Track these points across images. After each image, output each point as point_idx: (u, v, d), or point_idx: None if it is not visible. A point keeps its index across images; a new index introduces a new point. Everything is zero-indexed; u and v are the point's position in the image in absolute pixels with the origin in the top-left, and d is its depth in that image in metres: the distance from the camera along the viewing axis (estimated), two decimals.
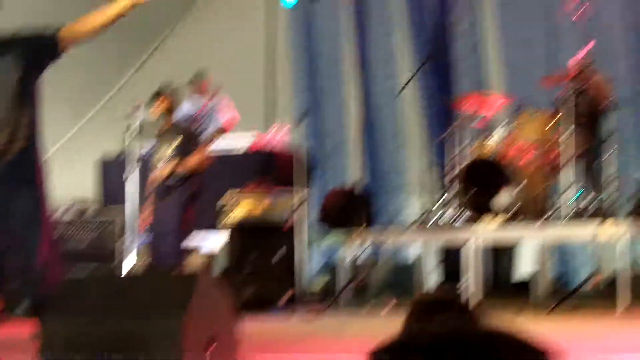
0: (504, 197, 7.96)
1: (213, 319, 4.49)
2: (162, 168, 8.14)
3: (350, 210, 8.93)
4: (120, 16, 5.14)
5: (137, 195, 7.55)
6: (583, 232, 7.54)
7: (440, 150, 9.68)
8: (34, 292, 4.89)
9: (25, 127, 4.97)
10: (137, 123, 10.32)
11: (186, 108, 10.38)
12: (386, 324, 6.98)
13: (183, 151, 8.18)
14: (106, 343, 4.31)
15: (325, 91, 12.08)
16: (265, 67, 12.34)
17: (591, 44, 8.52)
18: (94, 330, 4.37)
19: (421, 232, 8.46)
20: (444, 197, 8.64)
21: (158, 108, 8.26)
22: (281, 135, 10.09)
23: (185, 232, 8.18)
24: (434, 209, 8.72)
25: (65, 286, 4.72)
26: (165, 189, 8.15)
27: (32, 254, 4.92)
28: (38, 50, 5.02)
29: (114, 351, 4.31)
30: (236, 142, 10.01)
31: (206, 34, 12.58)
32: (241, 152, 9.77)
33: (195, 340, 4.21)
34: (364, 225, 8.39)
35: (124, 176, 7.35)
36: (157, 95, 8.30)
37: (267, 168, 9.56)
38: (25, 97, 4.98)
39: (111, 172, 10.31)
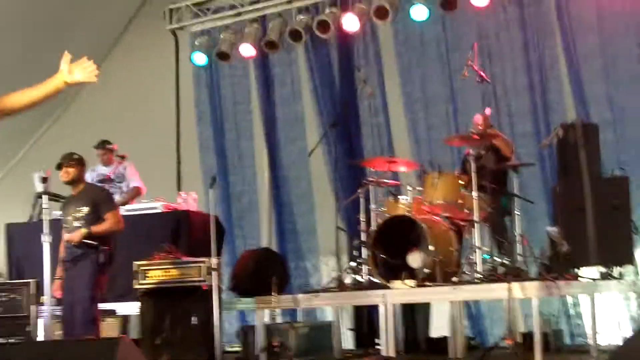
0: (414, 259, 8.06)
1: None
2: (72, 234, 8.03)
3: (260, 275, 8.94)
4: (50, 96, 5.00)
5: (48, 261, 7.42)
6: (494, 292, 7.60)
7: (349, 211, 9.83)
8: None
9: None
10: (44, 189, 10.27)
11: (94, 175, 10.32)
12: None
13: (93, 217, 8.10)
14: None
15: (234, 154, 12.18)
16: (175, 130, 12.40)
17: (488, 108, 8.78)
18: None
19: (335, 295, 8.51)
20: (355, 258, 8.72)
21: (66, 175, 8.16)
22: (191, 200, 10.07)
23: (97, 299, 8.06)
24: (344, 271, 8.81)
25: None
26: (77, 255, 8.05)
27: None
28: None
29: None
30: (145, 209, 9.94)
31: (115, 96, 12.57)
32: (153, 213, 9.71)
33: None
34: (277, 289, 8.38)
35: (42, 239, 7.22)
36: (60, 164, 8.19)
37: (179, 232, 9.52)
38: None
39: (19, 237, 10.20)
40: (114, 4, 12.85)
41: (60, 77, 4.87)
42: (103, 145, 10.59)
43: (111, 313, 9.17)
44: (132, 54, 13.08)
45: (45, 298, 9.14)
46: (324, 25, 11.15)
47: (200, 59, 12.14)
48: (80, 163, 8.30)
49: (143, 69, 12.88)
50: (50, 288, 8.31)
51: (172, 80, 12.57)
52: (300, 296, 8.68)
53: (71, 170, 8.16)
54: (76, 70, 4.86)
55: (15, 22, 11.50)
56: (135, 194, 10.41)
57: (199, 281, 8.50)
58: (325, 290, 8.78)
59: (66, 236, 8.08)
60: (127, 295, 9.31)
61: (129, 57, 13.07)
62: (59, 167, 8.15)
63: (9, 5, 11.24)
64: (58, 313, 8.23)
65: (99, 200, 8.18)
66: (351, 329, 9.98)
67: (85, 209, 8.09)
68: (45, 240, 7.23)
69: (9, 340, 8.49)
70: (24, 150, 13.63)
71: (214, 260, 8.52)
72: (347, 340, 9.73)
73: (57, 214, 8.46)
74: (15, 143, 13.18)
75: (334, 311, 9.42)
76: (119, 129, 11.62)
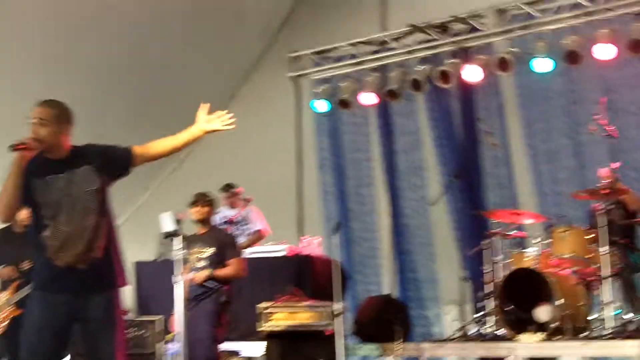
0: (542, 312, 8.01)
1: None
2: (196, 274, 8.20)
3: (383, 322, 8.98)
4: (189, 144, 5.37)
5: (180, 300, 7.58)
6: (624, 350, 7.50)
7: (473, 261, 9.82)
8: None
9: (103, 237, 5.11)
10: (172, 229, 10.53)
11: (219, 217, 10.54)
12: None
13: (216, 260, 8.27)
14: None
15: (354, 200, 12.29)
16: (296, 175, 12.57)
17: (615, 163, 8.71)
18: None
19: (460, 345, 8.50)
20: (480, 310, 8.70)
21: (198, 213, 8.36)
22: (314, 244, 10.22)
23: (219, 338, 8.21)
24: (470, 322, 8.80)
25: None
26: (198, 294, 8.22)
27: (111, 357, 5.04)
28: (114, 163, 5.19)
29: None
30: (269, 251, 10.12)
31: (237, 141, 12.84)
32: (277, 256, 9.87)
33: None
34: (399, 337, 8.41)
35: (172, 280, 7.40)
36: (196, 201, 8.40)
37: (302, 276, 9.66)
38: (101, 207, 5.12)
39: (146, 275, 10.48)
40: (237, 52, 13.17)
41: (198, 126, 5.27)
42: (228, 188, 10.86)
43: (235, 354, 9.32)
44: (254, 100, 13.36)
45: (170, 336, 9.43)
46: (445, 76, 11.24)
47: (322, 106, 12.35)
48: (212, 204, 8.54)
49: (265, 114, 13.14)
50: (168, 324, 8.53)
51: (293, 127, 12.79)
52: (424, 345, 8.70)
53: (204, 209, 8.37)
54: (213, 120, 5.28)
55: (135, 66, 11.83)
56: (259, 237, 10.63)
57: (323, 325, 8.59)
58: (450, 340, 8.78)
59: (189, 275, 8.25)
60: (250, 335, 9.48)
61: (251, 103, 13.34)
62: (194, 204, 8.36)
63: (130, 50, 11.59)
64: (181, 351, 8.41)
65: (225, 244, 8.34)
66: None
67: (210, 250, 8.25)
68: (177, 280, 7.40)
69: None
70: (149, 192, 14.00)
71: (338, 305, 8.60)
72: None
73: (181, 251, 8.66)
74: (142, 185, 13.54)
75: None
76: (241, 173, 11.85)
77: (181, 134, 5.30)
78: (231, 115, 5.30)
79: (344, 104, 12.19)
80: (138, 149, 5.25)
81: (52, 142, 5.03)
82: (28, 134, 4.99)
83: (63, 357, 5.21)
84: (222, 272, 8.20)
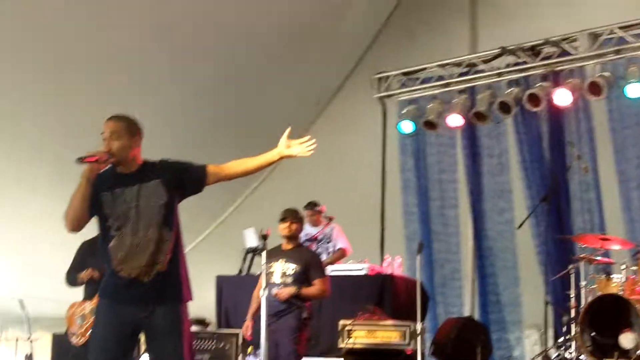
0: (627, 339, 7.85)
1: None
2: (280, 290, 8.21)
3: (464, 343, 8.90)
4: (264, 167, 5.44)
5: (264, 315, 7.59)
6: None
7: (556, 286, 9.68)
8: None
9: (168, 251, 5.16)
10: (255, 244, 10.63)
11: (302, 234, 10.57)
12: None
13: (301, 277, 8.24)
14: None
15: (438, 221, 12.24)
16: (380, 195, 12.56)
17: None
18: None
19: None
20: (563, 335, 8.57)
21: (288, 229, 8.37)
22: (395, 264, 10.19)
23: (301, 355, 8.20)
24: (552, 346, 8.67)
25: None
26: (280, 310, 8.23)
27: None
28: (186, 180, 5.24)
29: None
30: (351, 270, 10.11)
31: (322, 160, 12.87)
32: (359, 275, 9.86)
33: None
34: (481, 358, 8.32)
35: (261, 293, 7.42)
36: (285, 217, 8.42)
37: (383, 295, 9.63)
38: (168, 221, 5.17)
39: (228, 289, 10.57)
40: (325, 72, 13.26)
41: (277, 150, 5.31)
42: (312, 206, 10.90)
43: None
44: (340, 120, 13.45)
45: (250, 349, 9.48)
46: (534, 99, 11.12)
47: (407, 127, 12.33)
48: (301, 221, 8.54)
49: (350, 134, 13.20)
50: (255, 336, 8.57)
51: (378, 147, 12.78)
52: None
53: (294, 226, 8.37)
54: (294, 145, 5.31)
55: (222, 84, 11.97)
56: (341, 255, 10.64)
57: (404, 345, 8.55)
58: None
59: (273, 290, 8.25)
60: (330, 352, 9.49)
61: (337, 122, 13.43)
62: (283, 220, 8.38)
63: (220, 66, 11.73)
64: None
65: (311, 263, 8.29)
66: None
67: (295, 267, 8.24)
68: (264, 295, 7.41)
69: None
70: (233, 207, 14.13)
71: (418, 325, 8.56)
72: None
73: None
74: (226, 200, 13.68)
75: None
76: (325, 191, 11.89)
77: (258, 157, 5.34)
78: (313, 141, 5.33)
79: (430, 125, 12.15)
80: (212, 168, 5.29)
81: (123, 155, 5.11)
82: (98, 147, 5.07)
83: None
84: (308, 291, 8.18)
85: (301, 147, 5.31)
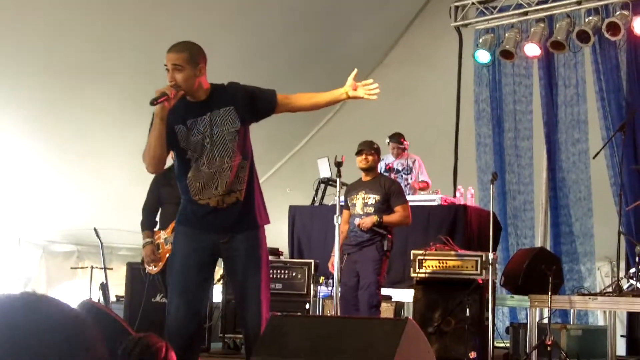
0: None
1: None
2: (362, 220, 8.28)
3: (535, 274, 8.87)
4: (331, 104, 5.48)
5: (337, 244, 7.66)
6: None
7: (630, 217, 9.58)
8: (254, 334, 5.09)
9: (245, 178, 5.21)
10: (329, 174, 10.70)
11: (382, 164, 10.61)
12: None
13: (383, 206, 8.33)
14: None
15: (511, 152, 12.16)
16: (455, 126, 12.50)
17: None
18: None
19: (612, 299, 8.32)
20: (635, 267, 8.50)
21: (365, 161, 8.42)
22: (469, 195, 10.18)
23: (380, 285, 8.30)
24: (625, 276, 8.61)
25: (272, 325, 4.92)
26: (362, 240, 8.31)
27: (257, 299, 5.17)
28: (258, 105, 5.23)
29: None
30: (423, 200, 10.12)
31: (396, 89, 12.84)
32: (432, 205, 9.88)
33: None
34: (549, 291, 8.28)
35: (334, 221, 7.49)
36: (361, 150, 8.46)
37: (456, 225, 9.65)
38: (243, 148, 5.19)
39: (300, 219, 10.69)
40: (400, 2, 13.12)
41: (344, 89, 5.29)
42: (398, 140, 10.82)
43: (388, 299, 9.43)
44: (415, 49, 13.32)
45: (322, 279, 9.61)
46: (613, 28, 10.89)
47: (484, 56, 12.21)
48: (378, 152, 8.59)
49: (425, 64, 13.09)
50: (332, 268, 8.67)
51: (453, 77, 12.68)
52: (576, 297, 8.56)
53: (371, 157, 8.43)
54: (360, 88, 5.29)
55: (302, 17, 11.96)
56: (424, 187, 10.62)
57: (475, 275, 8.58)
58: (603, 294, 8.62)
59: (356, 220, 8.34)
60: (401, 282, 9.60)
61: (412, 52, 13.32)
62: (360, 152, 8.43)
63: (290, 3, 11.72)
64: (333, 294, 8.54)
65: (392, 191, 8.39)
66: (624, 336, 9.76)
67: (377, 197, 8.33)
68: (337, 222, 7.48)
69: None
70: (305, 139, 14.20)
71: (490, 255, 8.57)
72: (620, 347, 9.52)
73: (336, 199, 8.76)
74: (298, 132, 13.74)
75: (607, 317, 9.24)
76: (398, 121, 11.88)
77: (326, 93, 5.34)
78: (376, 85, 5.30)
79: (507, 54, 12.00)
80: (282, 96, 5.26)
81: (189, 86, 5.04)
82: (164, 83, 5.03)
83: (207, 291, 5.38)
84: (389, 218, 8.28)
85: (365, 90, 5.30)
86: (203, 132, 5.11)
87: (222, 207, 5.15)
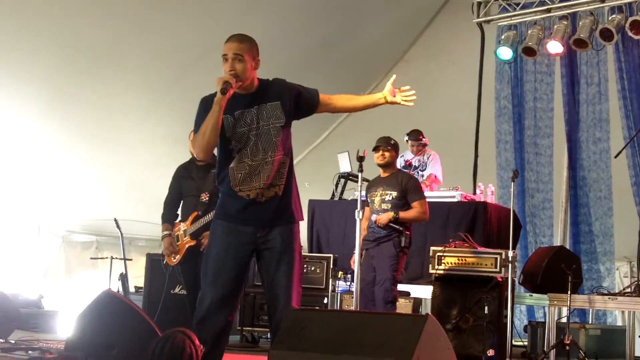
0: None
1: None
2: (380, 216, 8.28)
3: (554, 273, 8.85)
4: (369, 107, 5.53)
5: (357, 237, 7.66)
6: None
7: None
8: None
9: (285, 174, 5.25)
10: (349, 169, 10.68)
11: (401, 160, 10.59)
12: None
13: (400, 202, 8.31)
14: None
15: (531, 150, 12.12)
16: (476, 122, 12.47)
17: None
18: None
19: (633, 299, 8.29)
20: None
21: (382, 157, 8.42)
22: (489, 192, 10.15)
23: (397, 281, 8.29)
24: None
25: (292, 318, 4.92)
26: (380, 236, 8.30)
27: (289, 292, 5.21)
28: (302, 103, 5.30)
29: None
30: (445, 196, 10.08)
31: (417, 85, 12.77)
32: (452, 202, 9.85)
33: None
34: (568, 290, 8.25)
35: (355, 215, 7.49)
36: (378, 146, 8.44)
37: (475, 222, 9.63)
38: (285, 144, 5.24)
39: (320, 214, 10.69)
40: None
41: (382, 95, 5.41)
42: (416, 137, 10.78)
43: (406, 295, 9.42)
44: (436, 45, 13.29)
45: (341, 274, 9.61)
46: (637, 26, 10.82)
47: (506, 53, 12.17)
48: (396, 148, 8.57)
49: (446, 60, 13.07)
50: (348, 262, 8.68)
51: (475, 73, 12.63)
52: (595, 297, 8.53)
53: (387, 154, 8.42)
54: (398, 93, 5.41)
55: (321, 8, 11.94)
56: (431, 181, 10.57)
57: (494, 272, 8.56)
58: (623, 294, 8.58)
59: (373, 217, 8.34)
60: (420, 278, 9.59)
61: (433, 47, 13.29)
62: (376, 149, 8.43)
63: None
64: (352, 289, 8.54)
65: (409, 187, 8.37)
66: None
67: (394, 193, 8.32)
68: (358, 217, 7.48)
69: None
70: (325, 133, 14.20)
71: (510, 253, 8.54)
72: (639, 347, 9.47)
73: (356, 194, 8.75)
74: (317, 127, 13.74)
75: (626, 317, 9.21)
76: (420, 116, 11.82)
77: (365, 96, 5.50)
78: (413, 92, 5.43)
79: (529, 51, 11.95)
80: (324, 97, 5.36)
81: (247, 77, 5.12)
82: (224, 72, 5.08)
83: (241, 286, 5.40)
84: (406, 214, 8.27)
85: (402, 97, 5.42)
86: (249, 124, 5.17)
87: (261, 201, 5.20)
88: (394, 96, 5.38)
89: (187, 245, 7.81)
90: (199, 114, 5.17)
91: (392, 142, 8.51)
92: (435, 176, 10.62)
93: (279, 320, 5.14)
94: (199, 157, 5.29)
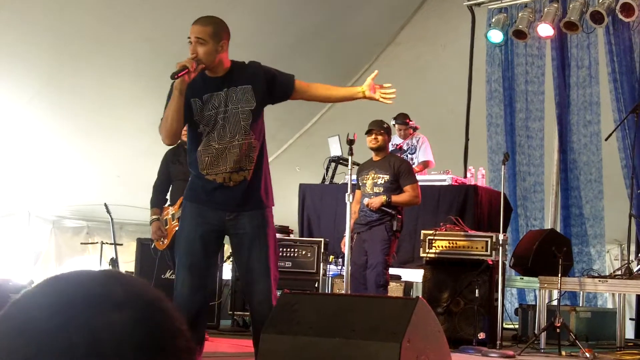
0: None
1: (428, 346, 4.59)
2: (372, 199, 8.27)
3: (545, 256, 8.88)
4: (346, 100, 5.56)
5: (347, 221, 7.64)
6: None
7: None
8: (262, 312, 5.08)
9: (254, 159, 5.18)
10: (339, 152, 10.67)
11: (393, 145, 10.56)
12: None
13: (392, 186, 8.31)
14: None
15: (522, 133, 12.12)
16: (467, 106, 12.46)
17: None
18: (312, 350, 4.54)
19: (623, 282, 8.32)
20: None
21: (374, 141, 8.40)
22: (479, 175, 10.15)
23: (389, 265, 8.29)
24: (635, 259, 8.59)
25: (283, 302, 4.91)
26: (372, 220, 8.30)
27: (266, 277, 5.15)
28: (275, 88, 5.22)
29: None
30: (435, 179, 10.08)
31: (408, 69, 12.78)
32: (442, 185, 9.84)
33: None
34: (559, 273, 8.28)
35: (346, 199, 7.47)
36: (371, 130, 8.43)
37: (466, 206, 9.63)
38: (254, 129, 5.17)
39: (310, 198, 10.68)
40: None
41: (362, 89, 5.33)
42: (403, 120, 10.73)
43: (397, 278, 9.43)
44: (427, 28, 13.25)
45: (332, 258, 9.62)
46: (627, 9, 10.78)
47: (496, 36, 12.14)
48: (388, 132, 8.57)
49: (437, 43, 13.04)
50: (339, 246, 8.68)
51: (465, 56, 12.60)
52: (586, 280, 8.56)
53: (380, 137, 8.41)
54: (378, 90, 5.32)
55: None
56: (424, 167, 10.57)
57: (485, 255, 8.57)
58: (613, 277, 8.62)
59: (365, 200, 8.33)
60: (411, 262, 9.60)
61: (423, 31, 13.25)
62: (369, 132, 8.41)
63: None
64: (343, 273, 8.54)
65: (402, 171, 8.36)
66: (632, 319, 9.76)
67: (386, 177, 8.31)
68: (348, 200, 7.47)
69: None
70: (315, 118, 14.16)
71: (501, 236, 8.56)
72: (629, 330, 9.54)
73: (347, 178, 8.72)
74: (308, 111, 13.70)
75: (616, 299, 9.25)
76: (410, 100, 11.81)
77: (343, 88, 5.45)
78: (393, 90, 5.34)
79: (520, 34, 11.92)
80: (300, 83, 5.27)
81: (210, 60, 5.01)
82: (186, 56, 5.00)
83: (213, 266, 5.41)
84: (398, 198, 8.26)
85: (381, 93, 5.32)
86: (217, 108, 5.10)
87: (229, 185, 5.14)
88: (374, 92, 5.29)
89: (175, 229, 7.80)
90: (167, 98, 5.10)
91: (385, 125, 8.50)
92: (430, 162, 10.61)
93: (256, 306, 5.14)
94: (164, 142, 5.23)
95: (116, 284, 1.20)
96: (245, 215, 5.17)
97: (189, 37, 5.04)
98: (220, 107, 5.10)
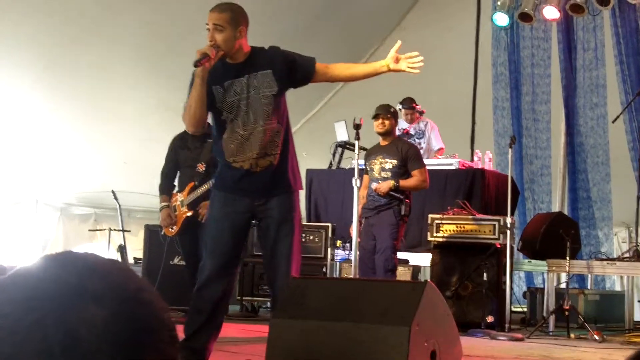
0: None
1: (437, 329, 4.60)
2: (380, 184, 8.26)
3: (553, 239, 8.88)
4: (369, 76, 5.35)
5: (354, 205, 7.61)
6: None
7: None
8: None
9: (279, 143, 5.15)
10: (346, 137, 10.66)
11: (398, 130, 10.53)
12: (594, 351, 7.00)
13: (400, 171, 8.30)
14: (333, 349, 4.48)
15: (529, 116, 12.10)
16: (473, 89, 12.43)
17: None
18: (322, 334, 4.55)
19: (631, 264, 8.32)
20: None
21: (382, 125, 8.38)
22: (486, 159, 10.14)
23: (397, 249, 8.30)
24: None
25: (293, 287, 4.92)
26: (380, 204, 8.30)
27: (288, 261, 5.15)
28: (296, 72, 5.15)
29: (340, 358, 4.48)
30: (442, 163, 10.07)
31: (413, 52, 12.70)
32: (449, 169, 9.82)
33: (420, 350, 4.31)
34: (567, 255, 8.28)
35: (353, 184, 7.43)
36: (378, 114, 8.41)
37: (473, 189, 9.63)
38: (277, 113, 5.12)
39: (317, 183, 10.68)
40: None
41: (385, 62, 5.16)
42: (410, 105, 10.70)
43: (404, 262, 9.43)
44: (433, 11, 13.21)
45: (339, 242, 9.62)
46: None
47: (502, 19, 12.10)
48: (395, 116, 8.55)
49: (443, 26, 12.99)
50: (347, 231, 8.67)
51: (471, 40, 12.58)
52: (593, 262, 8.56)
53: (387, 122, 8.39)
54: (402, 60, 5.15)
55: None
56: (434, 152, 10.54)
57: (493, 239, 8.57)
58: (621, 259, 8.61)
59: (373, 185, 8.32)
60: (419, 246, 9.60)
61: (429, 15, 13.21)
62: (376, 117, 8.39)
63: None
64: (351, 257, 8.54)
65: (410, 155, 8.34)
66: None
67: (394, 161, 8.29)
68: (356, 185, 7.44)
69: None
70: (322, 102, 14.15)
71: (508, 220, 8.56)
72: (637, 312, 9.54)
73: (354, 163, 8.70)
74: (314, 96, 13.68)
75: (625, 282, 9.25)
76: (416, 84, 11.76)
77: (365, 64, 5.30)
78: (420, 58, 5.15)
79: (526, 17, 11.89)
80: (321, 65, 5.19)
81: (229, 47, 4.98)
82: (205, 44, 4.97)
83: (239, 256, 5.38)
84: (406, 182, 8.25)
85: (408, 63, 5.15)
86: (239, 94, 5.07)
87: (256, 171, 5.12)
88: (397, 62, 5.13)
89: (184, 216, 7.80)
90: (189, 86, 5.08)
91: (392, 110, 8.48)
92: (443, 149, 10.58)
93: (279, 290, 5.12)
94: (189, 130, 5.23)
95: (93, 275, 1.14)
96: (274, 200, 5.17)
97: (207, 24, 5.02)
98: (242, 93, 5.07)
